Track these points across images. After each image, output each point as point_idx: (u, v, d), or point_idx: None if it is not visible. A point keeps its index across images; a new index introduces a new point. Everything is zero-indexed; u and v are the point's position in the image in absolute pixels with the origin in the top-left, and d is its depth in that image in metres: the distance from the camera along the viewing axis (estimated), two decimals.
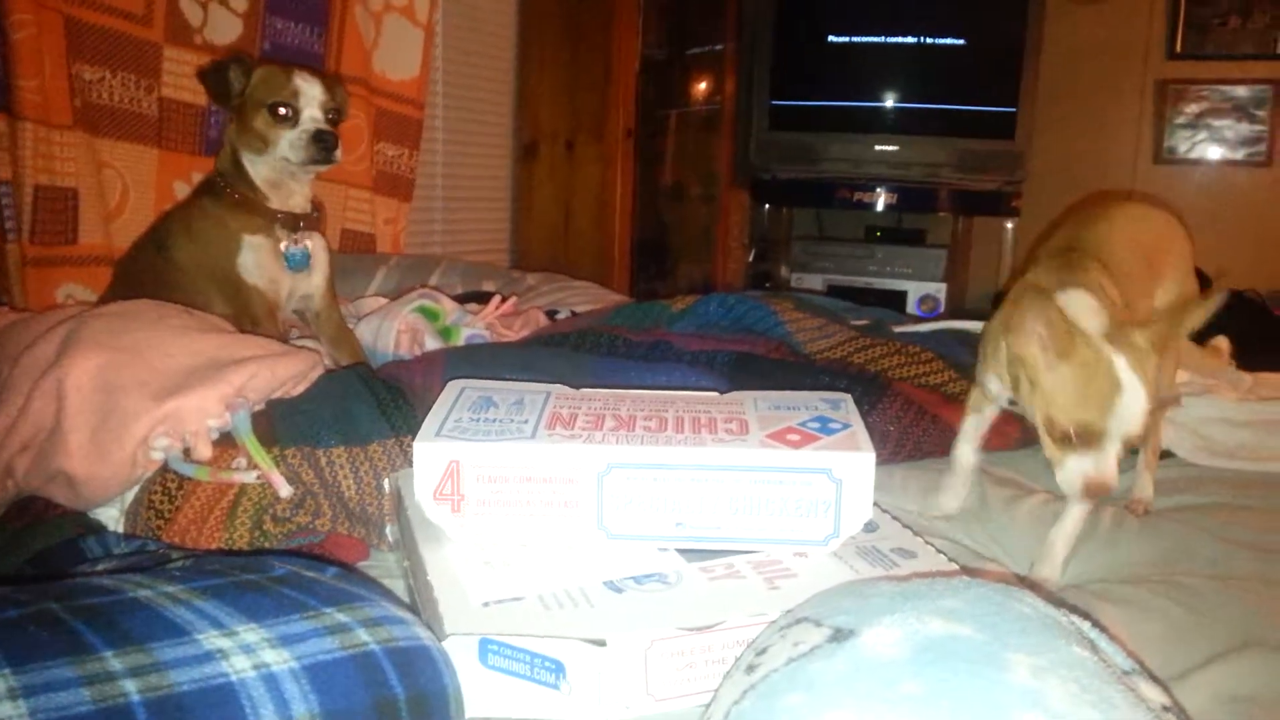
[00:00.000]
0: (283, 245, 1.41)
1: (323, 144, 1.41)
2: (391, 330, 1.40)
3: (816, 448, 0.81)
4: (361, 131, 2.30)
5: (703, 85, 3.76)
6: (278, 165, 1.42)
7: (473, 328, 1.46)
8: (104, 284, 1.59)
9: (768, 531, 0.79)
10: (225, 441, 0.94)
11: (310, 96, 1.42)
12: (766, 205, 3.68)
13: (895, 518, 0.89)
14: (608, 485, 0.79)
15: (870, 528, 0.83)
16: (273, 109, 1.39)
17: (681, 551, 0.79)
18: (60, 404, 0.92)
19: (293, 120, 1.40)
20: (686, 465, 0.79)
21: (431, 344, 1.39)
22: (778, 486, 0.79)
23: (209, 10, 1.94)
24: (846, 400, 0.92)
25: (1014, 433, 1.27)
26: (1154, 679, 0.56)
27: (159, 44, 1.85)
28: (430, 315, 1.44)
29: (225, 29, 1.98)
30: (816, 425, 0.85)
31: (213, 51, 1.94)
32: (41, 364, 0.96)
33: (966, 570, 0.78)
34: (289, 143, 1.40)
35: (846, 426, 0.86)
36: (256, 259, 1.39)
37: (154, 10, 1.84)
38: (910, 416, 1.23)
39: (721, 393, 0.96)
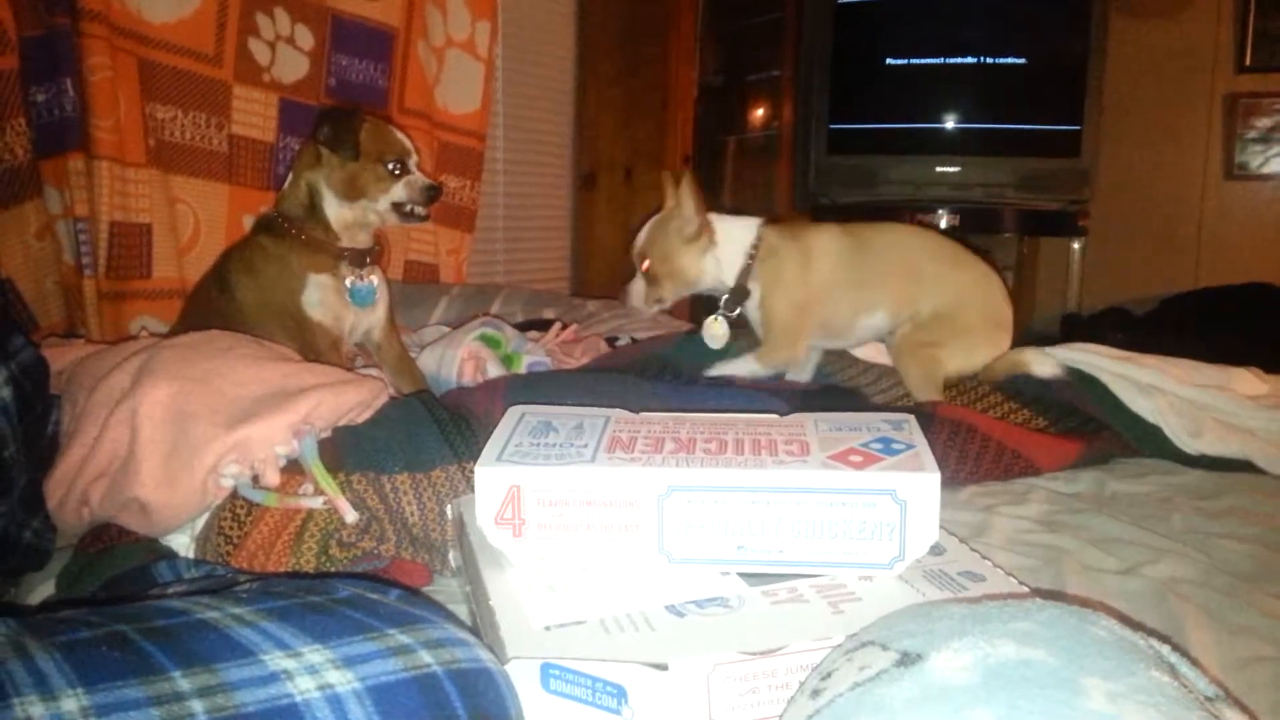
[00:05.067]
0: (348, 281, 1.44)
1: (432, 197, 1.49)
2: (455, 358, 1.41)
3: (880, 468, 0.79)
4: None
5: (760, 111, 3.76)
6: (367, 211, 1.47)
7: (534, 355, 1.47)
8: (173, 316, 1.63)
9: (831, 555, 0.78)
10: (293, 468, 0.96)
11: (413, 153, 1.51)
12: None
13: (962, 540, 0.87)
14: (668, 508, 0.79)
15: (936, 550, 0.81)
16: (384, 163, 1.46)
17: (743, 575, 0.78)
18: (134, 433, 0.94)
19: (400, 174, 1.48)
20: (747, 488, 0.78)
21: (494, 371, 1.41)
22: (840, 509, 0.78)
23: (277, 49, 1.99)
24: (909, 421, 0.91)
25: (1073, 451, 1.24)
26: (1239, 705, 0.54)
27: (229, 83, 1.91)
28: (492, 343, 1.45)
29: (292, 67, 2.03)
30: (879, 446, 0.84)
31: (280, 90, 1.99)
32: (116, 394, 0.98)
33: (1038, 593, 0.76)
34: (406, 192, 1.48)
35: (910, 447, 0.84)
36: (322, 296, 1.42)
37: (224, 50, 1.90)
38: (962, 440, 1.21)
39: (781, 415, 0.95)
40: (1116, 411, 1.29)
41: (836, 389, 1.34)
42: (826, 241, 1.41)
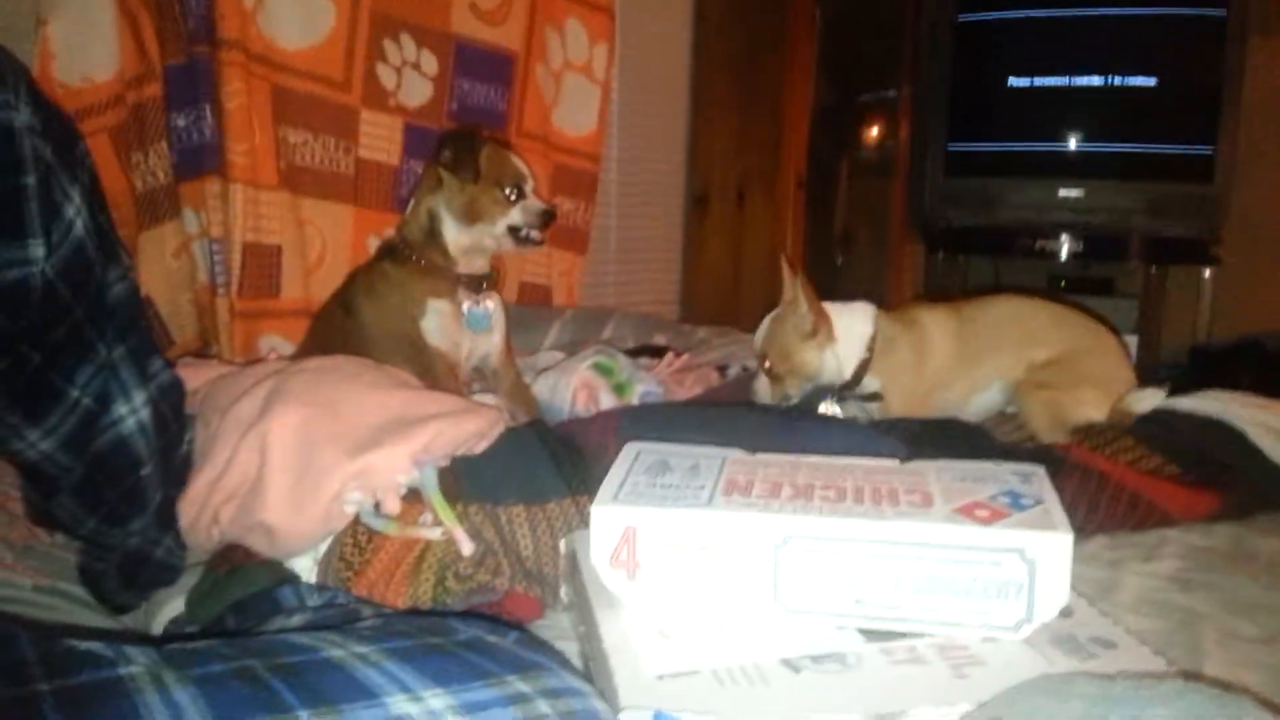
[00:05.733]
0: (464, 307, 1.47)
1: (548, 222, 1.51)
2: (568, 387, 1.43)
3: (1007, 525, 0.77)
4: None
5: (875, 131, 3.71)
6: (484, 235, 1.49)
7: (646, 384, 1.47)
8: (301, 334, 1.69)
9: (953, 614, 0.75)
10: (412, 497, 0.98)
11: (529, 178, 1.53)
12: (941, 254, 3.58)
13: (1090, 600, 0.83)
14: (784, 557, 0.78)
15: (1065, 612, 0.78)
16: (502, 187, 1.49)
17: (860, 630, 0.76)
18: (263, 457, 0.97)
19: (517, 199, 1.50)
20: (867, 539, 0.77)
21: (606, 400, 1.41)
22: (965, 566, 0.75)
23: (403, 75, 2.05)
24: (1039, 473, 0.88)
25: (1209, 503, 1.18)
26: None
27: (356, 108, 1.97)
28: (605, 371, 1.46)
29: (417, 92, 2.08)
30: (1007, 500, 0.81)
31: (405, 114, 2.05)
32: (248, 418, 1.02)
33: (1173, 665, 0.72)
34: (522, 217, 1.50)
35: (1039, 502, 0.81)
36: (440, 322, 1.45)
37: (352, 76, 1.96)
38: (1092, 487, 1.16)
39: (901, 461, 0.93)
40: (1256, 462, 1.23)
41: (957, 427, 1.31)
42: (939, 326, 1.41)
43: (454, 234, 1.49)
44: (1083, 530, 1.12)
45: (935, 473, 0.87)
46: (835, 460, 0.92)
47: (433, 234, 1.49)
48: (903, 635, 0.75)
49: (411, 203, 1.54)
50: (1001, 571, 0.75)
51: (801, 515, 0.78)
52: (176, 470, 1.06)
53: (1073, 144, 3.32)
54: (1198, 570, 1.05)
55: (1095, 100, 3.30)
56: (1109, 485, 1.16)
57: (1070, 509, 0.80)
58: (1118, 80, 3.25)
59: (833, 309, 1.45)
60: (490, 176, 1.49)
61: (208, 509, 1.01)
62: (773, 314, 1.46)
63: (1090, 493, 1.14)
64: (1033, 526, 0.76)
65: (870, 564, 0.77)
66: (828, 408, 1.44)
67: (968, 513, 0.79)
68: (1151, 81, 3.23)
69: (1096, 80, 3.28)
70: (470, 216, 1.49)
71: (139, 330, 1.02)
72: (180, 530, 1.05)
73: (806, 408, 1.41)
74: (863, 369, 1.42)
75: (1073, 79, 3.31)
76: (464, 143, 1.49)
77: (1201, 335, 3.39)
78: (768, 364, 1.45)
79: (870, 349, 1.42)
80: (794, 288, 1.41)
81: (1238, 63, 3.08)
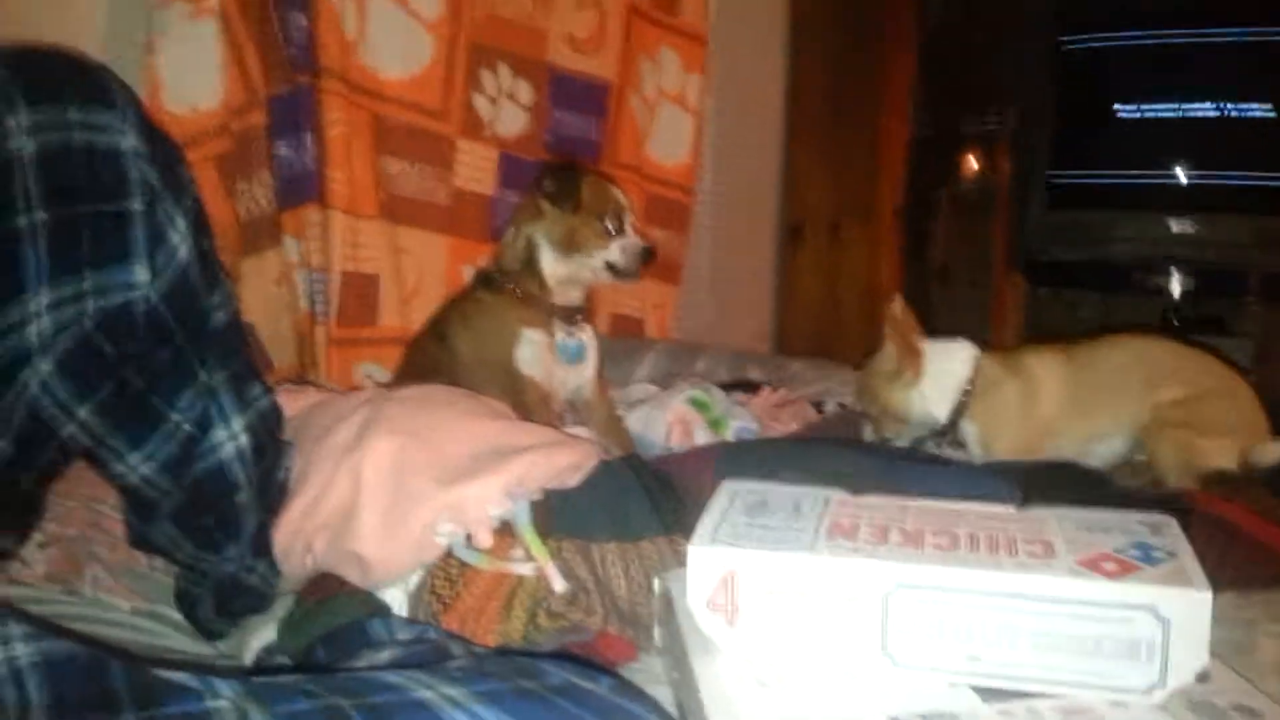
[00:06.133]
0: (558, 338, 1.46)
1: (646, 259, 1.51)
2: (661, 420, 1.40)
3: (1138, 579, 0.71)
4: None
5: (976, 162, 3.62)
6: (582, 267, 1.49)
7: (742, 420, 1.44)
8: (396, 362, 1.69)
9: (1078, 674, 0.70)
10: (504, 530, 0.96)
11: (629, 210, 1.53)
12: (1044, 289, 3.46)
13: (1229, 665, 0.77)
14: (894, 607, 0.73)
15: (1201, 675, 0.72)
16: (602, 219, 1.48)
17: (975, 689, 0.71)
18: (357, 487, 0.97)
19: (618, 232, 1.50)
20: (984, 591, 0.72)
21: (701, 436, 1.39)
22: (1091, 623, 0.70)
23: (499, 105, 2.06)
24: (1170, 524, 0.82)
25: None
26: None
27: (454, 137, 1.99)
28: (700, 406, 1.44)
29: (513, 122, 2.10)
30: (1137, 553, 0.75)
31: (501, 144, 2.06)
32: (343, 446, 1.02)
33: None
34: (621, 252, 1.49)
35: (1173, 556, 0.75)
36: (534, 352, 1.45)
37: (450, 106, 1.98)
38: (1223, 540, 1.08)
39: (1017, 506, 0.87)
40: None
41: (1073, 470, 1.24)
42: (1049, 372, 1.34)
43: (551, 264, 1.48)
44: (1213, 585, 1.05)
45: (1056, 521, 0.82)
46: (946, 504, 0.87)
47: (529, 263, 1.49)
48: (1022, 695, 0.70)
49: (510, 231, 1.54)
50: (1132, 630, 0.70)
51: (913, 563, 0.74)
52: (273, 497, 1.06)
53: (1184, 175, 3.19)
54: None
55: (1208, 129, 3.17)
56: (1241, 538, 1.08)
57: (1199, 561, 0.75)
58: (1231, 109, 3.12)
59: (930, 347, 1.40)
60: (591, 208, 1.48)
61: (301, 537, 1.01)
62: (867, 361, 1.44)
63: (1220, 545, 1.07)
64: (1167, 582, 0.71)
65: (987, 617, 0.72)
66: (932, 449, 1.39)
67: (1094, 565, 0.73)
68: (1269, 109, 3.09)
69: (1209, 108, 3.15)
70: (569, 247, 1.48)
71: (240, 356, 1.03)
72: (275, 558, 1.05)
73: (911, 448, 1.36)
74: (959, 411, 1.36)
75: (1183, 107, 3.19)
76: (566, 173, 1.49)
77: None
78: (865, 406, 1.42)
79: (968, 391, 1.36)
80: (891, 331, 1.37)
81: None
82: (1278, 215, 3.03)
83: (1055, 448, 1.32)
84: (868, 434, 1.44)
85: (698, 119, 2.59)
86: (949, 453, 1.40)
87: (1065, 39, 3.27)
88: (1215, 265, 3.14)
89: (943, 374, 1.38)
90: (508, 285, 1.47)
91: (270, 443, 1.06)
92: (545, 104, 2.16)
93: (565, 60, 2.19)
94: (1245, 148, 3.14)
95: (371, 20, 1.81)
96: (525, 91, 2.12)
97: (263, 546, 1.04)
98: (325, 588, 0.97)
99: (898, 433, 1.42)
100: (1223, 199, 3.12)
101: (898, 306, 1.38)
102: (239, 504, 0.99)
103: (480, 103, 2.04)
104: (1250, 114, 3.11)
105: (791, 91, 3.06)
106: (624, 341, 2.22)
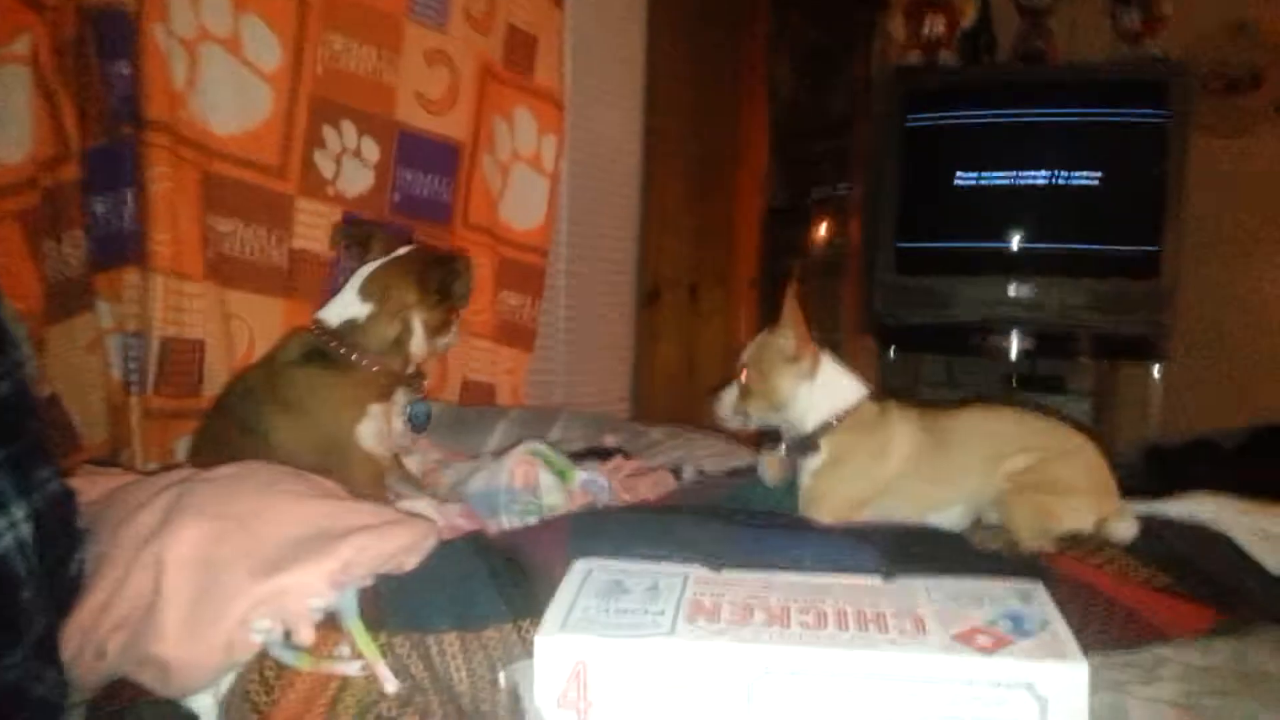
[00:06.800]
0: (410, 406, 1.44)
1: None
2: (504, 469, 1.34)
3: (1014, 654, 0.67)
4: (485, 281, 2.29)
5: (827, 229, 3.71)
6: (438, 346, 1.51)
7: (587, 470, 1.39)
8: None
9: None
10: (329, 623, 0.85)
11: None
12: (893, 352, 3.55)
13: None
14: (761, 693, 0.67)
15: None
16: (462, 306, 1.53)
17: None
18: (157, 579, 0.85)
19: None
20: (855, 672, 0.67)
21: (545, 479, 1.33)
22: (968, 703, 0.66)
23: (342, 162, 1.96)
24: (1038, 590, 0.78)
25: (1204, 618, 1.10)
26: None
27: (292, 196, 1.88)
28: (544, 458, 1.38)
29: (357, 180, 2.00)
30: (1009, 625, 0.71)
31: (344, 203, 1.95)
32: (144, 533, 0.89)
33: None
34: (455, 333, 1.53)
35: (1045, 624, 0.72)
36: (378, 426, 1.36)
37: (290, 162, 1.87)
38: (1083, 601, 1.07)
39: (884, 576, 0.83)
40: (1251, 573, 1.15)
41: (934, 534, 1.22)
42: (904, 433, 1.34)
43: (420, 346, 1.46)
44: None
45: (925, 592, 0.78)
46: (811, 578, 0.82)
47: (397, 343, 1.42)
48: None
49: (370, 308, 1.41)
50: (1007, 711, 0.65)
51: (779, 645, 0.68)
52: (64, 594, 0.93)
53: (1021, 242, 3.33)
54: (1204, 694, 0.95)
55: (1042, 198, 3.34)
56: (1100, 599, 1.07)
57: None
58: (1063, 178, 3.30)
59: (828, 361, 1.39)
60: (464, 299, 1.51)
61: (93, 639, 0.88)
62: (768, 329, 1.40)
63: (1080, 607, 1.05)
64: (1042, 656, 0.67)
65: (859, 700, 0.66)
66: (772, 459, 1.42)
67: (968, 640, 0.69)
68: (1095, 180, 3.28)
69: (1042, 178, 3.32)
70: (439, 333, 1.49)
71: (25, 433, 0.91)
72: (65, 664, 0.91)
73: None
74: (822, 431, 1.34)
75: (1019, 176, 3.35)
76: (462, 274, 1.50)
77: (1153, 433, 3.37)
78: (744, 376, 1.39)
79: (839, 419, 1.34)
80: (789, 310, 1.35)
81: (1181, 160, 3.13)
82: (1108, 278, 3.20)
83: (889, 508, 1.30)
84: (724, 401, 1.41)
85: (553, 181, 2.54)
86: (780, 454, 1.41)
87: (910, 114, 3.41)
88: (1052, 327, 3.27)
89: (832, 389, 1.37)
90: (350, 357, 1.37)
91: (61, 532, 0.93)
92: (392, 163, 2.07)
93: (415, 119, 2.11)
94: (1077, 215, 3.32)
95: (204, 70, 1.69)
96: (371, 149, 2.03)
97: (51, 651, 0.91)
98: (122, 697, 0.85)
99: (759, 415, 1.40)
100: (1058, 264, 3.29)
101: (796, 289, 1.36)
102: (22, 603, 0.87)
103: (322, 160, 1.93)
104: (1079, 183, 3.29)
105: (648, 155, 3.06)
106: (475, 410, 2.12)
